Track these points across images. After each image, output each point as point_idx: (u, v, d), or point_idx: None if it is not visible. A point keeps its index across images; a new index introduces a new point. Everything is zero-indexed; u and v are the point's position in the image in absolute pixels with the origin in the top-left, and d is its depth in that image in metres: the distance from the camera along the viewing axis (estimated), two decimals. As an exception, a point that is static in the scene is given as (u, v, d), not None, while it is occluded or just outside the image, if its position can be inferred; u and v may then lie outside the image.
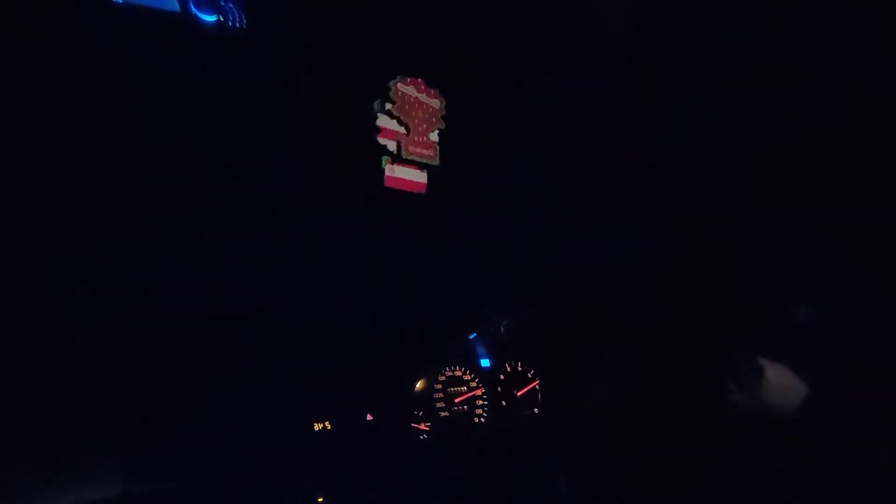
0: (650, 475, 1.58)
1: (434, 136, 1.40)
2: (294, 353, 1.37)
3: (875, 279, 1.27)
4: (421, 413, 1.54)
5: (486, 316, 1.66)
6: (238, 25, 1.10)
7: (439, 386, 1.59)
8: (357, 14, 1.21)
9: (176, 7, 1.03)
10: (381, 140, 1.31)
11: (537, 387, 1.71)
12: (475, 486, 1.52)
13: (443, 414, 1.58)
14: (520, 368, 1.71)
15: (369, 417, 1.45)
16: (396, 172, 1.34)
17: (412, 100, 1.36)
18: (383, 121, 1.31)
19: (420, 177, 1.38)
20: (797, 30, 1.12)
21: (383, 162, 1.32)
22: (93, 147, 1.00)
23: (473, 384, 1.64)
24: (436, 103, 1.39)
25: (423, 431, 1.54)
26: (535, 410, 1.70)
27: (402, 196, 1.35)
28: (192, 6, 1.05)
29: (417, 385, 1.56)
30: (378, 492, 1.41)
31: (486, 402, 1.64)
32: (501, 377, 1.68)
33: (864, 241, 1.28)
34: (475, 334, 1.64)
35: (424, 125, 1.38)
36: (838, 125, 1.23)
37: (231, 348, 1.29)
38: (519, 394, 1.68)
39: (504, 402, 1.66)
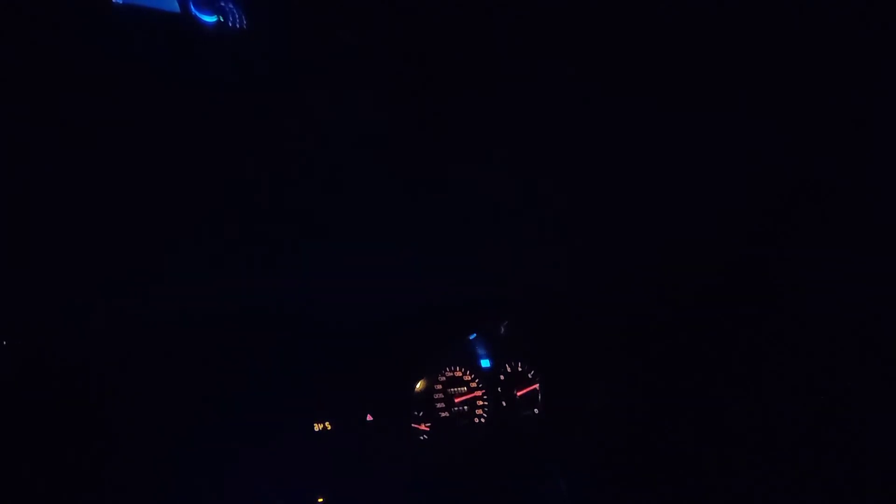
0: (651, 477, 1.58)
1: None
2: (294, 353, 1.37)
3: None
4: (421, 413, 1.54)
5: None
6: (238, 25, 1.10)
7: (439, 386, 1.59)
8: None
9: (176, 7, 1.03)
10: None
11: (538, 388, 1.70)
12: (475, 487, 1.52)
13: (443, 414, 1.57)
14: (520, 369, 1.71)
15: (369, 417, 1.45)
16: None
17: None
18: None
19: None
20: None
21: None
22: (91, 147, 1.00)
23: (473, 384, 1.63)
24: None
25: (423, 432, 1.54)
26: (536, 411, 1.69)
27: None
28: (192, 6, 1.05)
29: (417, 385, 1.56)
30: (378, 492, 1.41)
31: (486, 403, 1.64)
32: (501, 377, 1.68)
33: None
34: (475, 334, 1.64)
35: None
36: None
37: (230, 348, 1.29)
38: (519, 394, 1.68)
39: (504, 403, 1.65)
